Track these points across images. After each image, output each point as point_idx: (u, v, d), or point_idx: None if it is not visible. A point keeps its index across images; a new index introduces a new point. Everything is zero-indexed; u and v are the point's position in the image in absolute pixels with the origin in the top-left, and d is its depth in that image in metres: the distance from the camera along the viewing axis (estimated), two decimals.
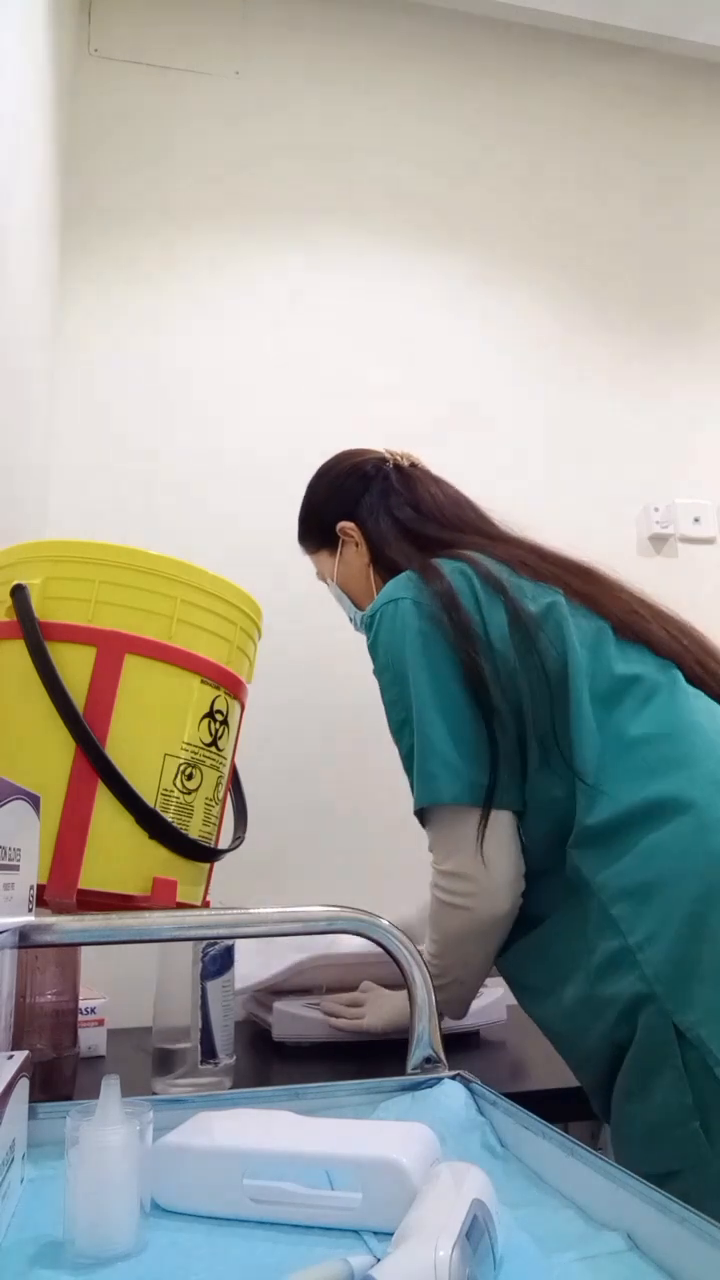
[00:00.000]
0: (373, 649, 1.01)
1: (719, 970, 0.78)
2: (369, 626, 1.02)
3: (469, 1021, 1.24)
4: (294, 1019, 1.17)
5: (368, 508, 1.14)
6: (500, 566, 1.00)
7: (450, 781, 0.91)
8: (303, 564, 1.67)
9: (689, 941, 0.79)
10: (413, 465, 1.18)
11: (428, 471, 1.18)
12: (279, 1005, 1.18)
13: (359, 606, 1.19)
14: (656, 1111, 0.78)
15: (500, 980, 1.31)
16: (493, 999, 1.27)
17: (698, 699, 0.94)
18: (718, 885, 0.80)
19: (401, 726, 0.97)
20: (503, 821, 0.92)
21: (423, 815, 0.96)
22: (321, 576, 1.26)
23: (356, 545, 1.16)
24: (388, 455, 1.18)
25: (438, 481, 1.16)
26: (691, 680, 0.96)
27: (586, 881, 0.87)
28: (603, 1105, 0.87)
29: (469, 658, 0.92)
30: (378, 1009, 1.14)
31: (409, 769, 0.96)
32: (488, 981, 1.30)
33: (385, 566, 1.10)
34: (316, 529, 1.22)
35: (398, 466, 1.17)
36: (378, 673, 1.01)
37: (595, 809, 0.88)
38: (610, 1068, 0.84)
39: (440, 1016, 1.04)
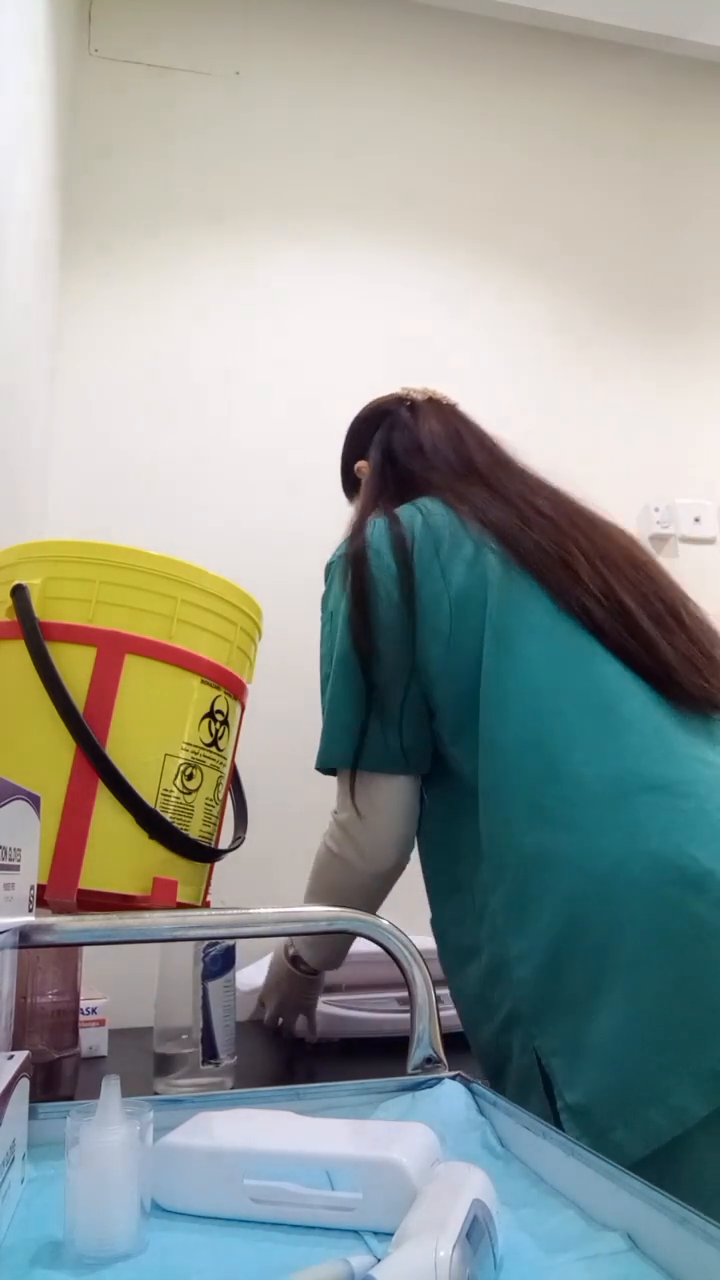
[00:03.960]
0: (323, 601, 1.01)
1: (575, 1001, 0.75)
2: (325, 576, 1.01)
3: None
4: (318, 1016, 1.18)
5: (374, 444, 1.12)
6: (446, 520, 0.94)
7: (341, 747, 0.92)
8: (302, 562, 1.67)
9: (552, 967, 0.77)
10: (429, 400, 1.14)
11: (441, 405, 1.14)
12: None
13: None
14: None
15: None
16: None
17: (611, 686, 0.85)
18: (583, 913, 0.76)
19: (323, 682, 0.98)
20: (394, 784, 0.92)
21: (329, 770, 0.97)
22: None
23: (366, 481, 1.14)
24: (404, 393, 1.16)
25: (444, 415, 1.11)
26: (619, 655, 0.87)
27: (487, 881, 0.84)
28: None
29: (357, 624, 0.92)
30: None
31: (325, 723, 0.96)
32: None
33: (379, 501, 1.06)
34: (346, 476, 1.21)
35: (412, 403, 1.14)
36: (324, 619, 1.00)
37: (489, 812, 0.84)
38: (497, 1067, 0.84)
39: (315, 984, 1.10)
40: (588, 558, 0.91)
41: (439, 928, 0.96)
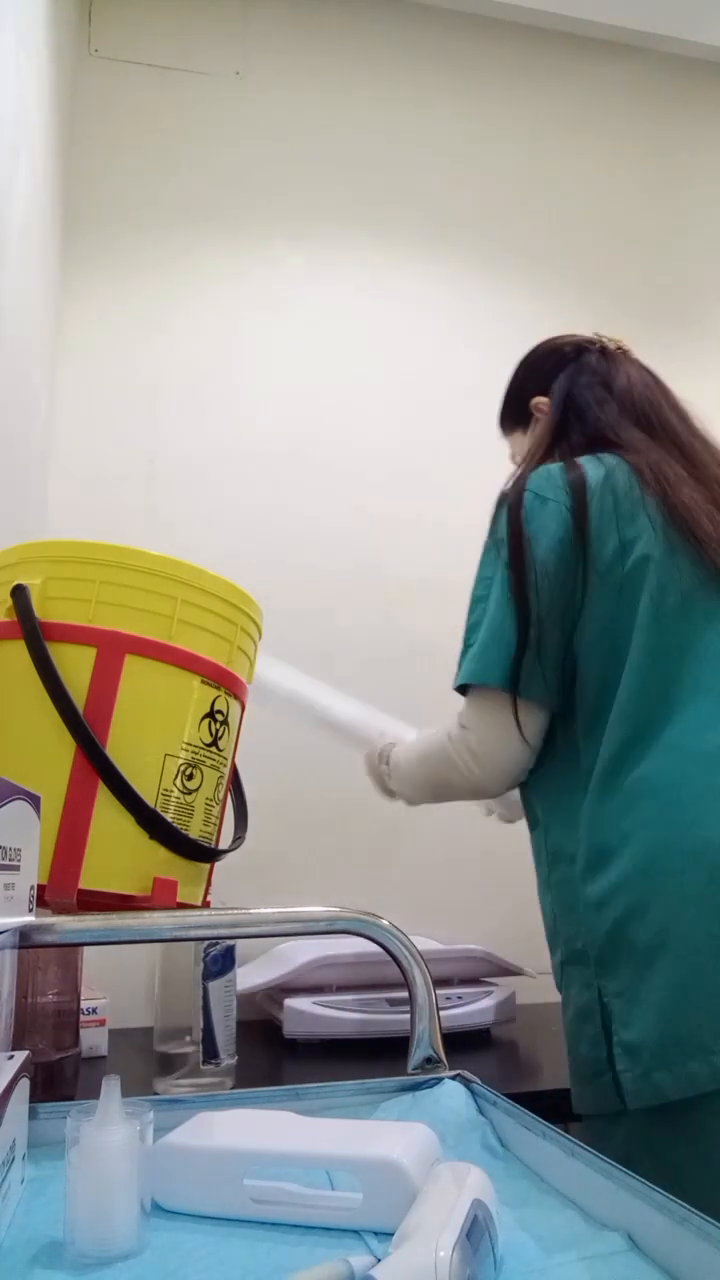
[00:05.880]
0: (492, 524, 1.00)
1: (638, 954, 0.83)
2: (498, 503, 1.00)
3: (479, 1020, 1.25)
4: (305, 1016, 1.19)
5: (559, 384, 1.09)
6: (628, 483, 0.95)
7: (500, 667, 0.93)
8: (302, 562, 1.67)
9: (624, 920, 0.84)
10: (619, 348, 1.12)
11: (633, 356, 1.12)
12: (290, 1003, 1.20)
13: None
14: (582, 1061, 0.87)
15: (511, 980, 1.32)
16: (504, 997, 1.28)
17: None
18: (661, 877, 0.83)
19: (474, 602, 0.98)
20: (536, 713, 0.93)
21: (464, 688, 0.98)
22: (513, 459, 1.20)
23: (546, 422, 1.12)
24: (595, 337, 1.13)
25: (640, 366, 1.10)
26: None
27: (569, 831, 0.91)
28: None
29: (516, 563, 0.93)
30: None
31: (465, 642, 0.98)
32: (497, 980, 1.31)
33: (558, 446, 1.06)
34: (512, 408, 1.18)
35: (603, 348, 1.11)
36: (486, 546, 1.00)
37: (606, 787, 0.89)
38: (560, 988, 0.92)
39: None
40: None
41: (532, 849, 1.01)
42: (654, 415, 1.03)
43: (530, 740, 0.94)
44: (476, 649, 0.94)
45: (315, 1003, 1.20)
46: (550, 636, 0.92)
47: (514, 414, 1.18)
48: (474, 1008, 1.25)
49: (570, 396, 1.07)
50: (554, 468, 0.98)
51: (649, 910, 0.83)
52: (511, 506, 0.96)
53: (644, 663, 0.89)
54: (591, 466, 0.96)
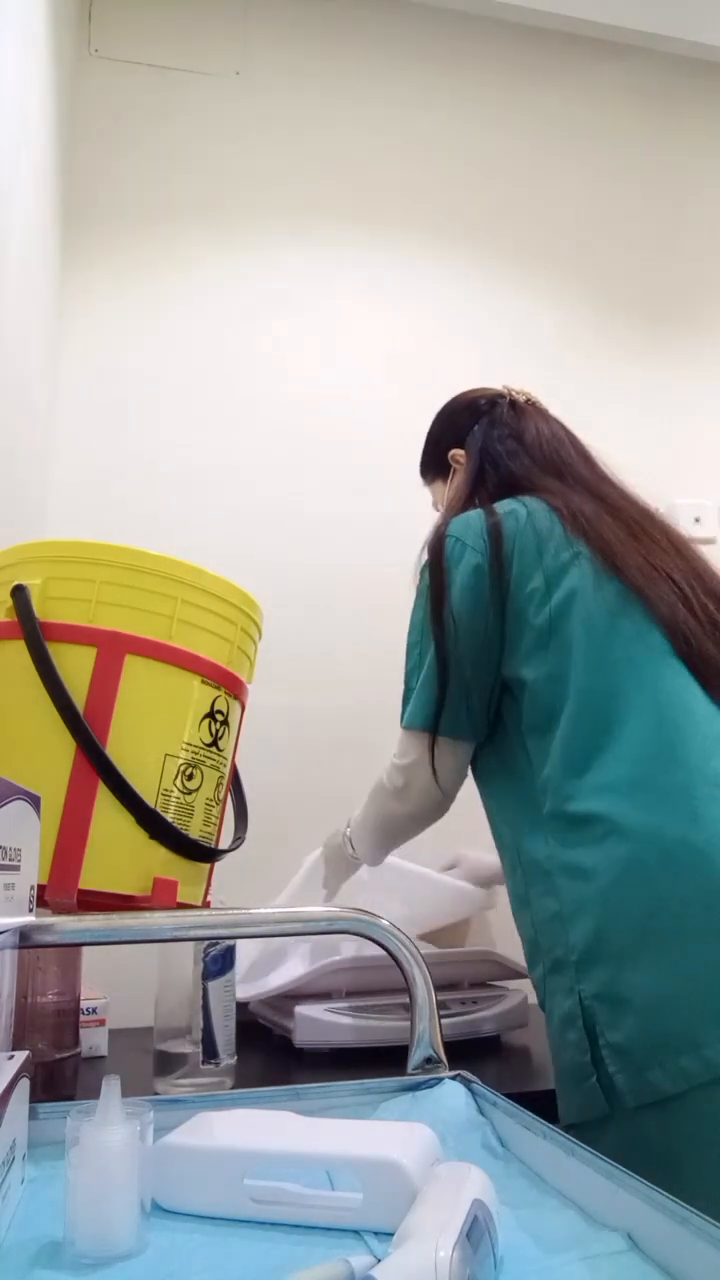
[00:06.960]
0: (422, 571, 1.06)
1: (619, 955, 0.84)
2: (423, 550, 1.06)
3: (489, 1026, 1.22)
4: (317, 1024, 1.14)
5: (474, 437, 1.16)
6: (549, 520, 1.00)
7: (425, 710, 1.01)
8: (302, 562, 1.67)
9: (601, 924, 0.86)
10: (528, 401, 1.19)
11: (540, 408, 1.19)
12: (301, 1010, 1.15)
13: None
14: (567, 1069, 0.87)
15: (521, 983, 1.30)
16: (514, 1003, 1.25)
17: (683, 699, 0.92)
18: (636, 880, 0.85)
19: (411, 647, 1.05)
20: (456, 748, 1.01)
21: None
22: (436, 506, 1.27)
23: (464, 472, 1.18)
24: (505, 391, 1.20)
25: (547, 418, 1.17)
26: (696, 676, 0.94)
27: (540, 842, 0.93)
28: None
29: (435, 607, 1.00)
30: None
31: (407, 686, 1.05)
32: (508, 985, 1.30)
33: (476, 494, 1.12)
34: (431, 459, 1.25)
35: (512, 402, 1.18)
36: (417, 593, 1.06)
37: (566, 796, 0.92)
38: (543, 1000, 0.93)
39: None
40: (689, 584, 0.99)
41: (505, 873, 1.03)
42: (562, 464, 1.10)
43: (440, 773, 1.00)
44: (417, 692, 1.01)
45: (328, 1009, 1.15)
46: (471, 676, 0.98)
47: (433, 465, 1.25)
48: (485, 1014, 1.21)
49: (484, 449, 1.14)
50: (473, 514, 1.03)
51: (627, 910, 0.84)
52: (434, 553, 1.02)
53: (586, 683, 0.93)
54: (512, 508, 1.02)
